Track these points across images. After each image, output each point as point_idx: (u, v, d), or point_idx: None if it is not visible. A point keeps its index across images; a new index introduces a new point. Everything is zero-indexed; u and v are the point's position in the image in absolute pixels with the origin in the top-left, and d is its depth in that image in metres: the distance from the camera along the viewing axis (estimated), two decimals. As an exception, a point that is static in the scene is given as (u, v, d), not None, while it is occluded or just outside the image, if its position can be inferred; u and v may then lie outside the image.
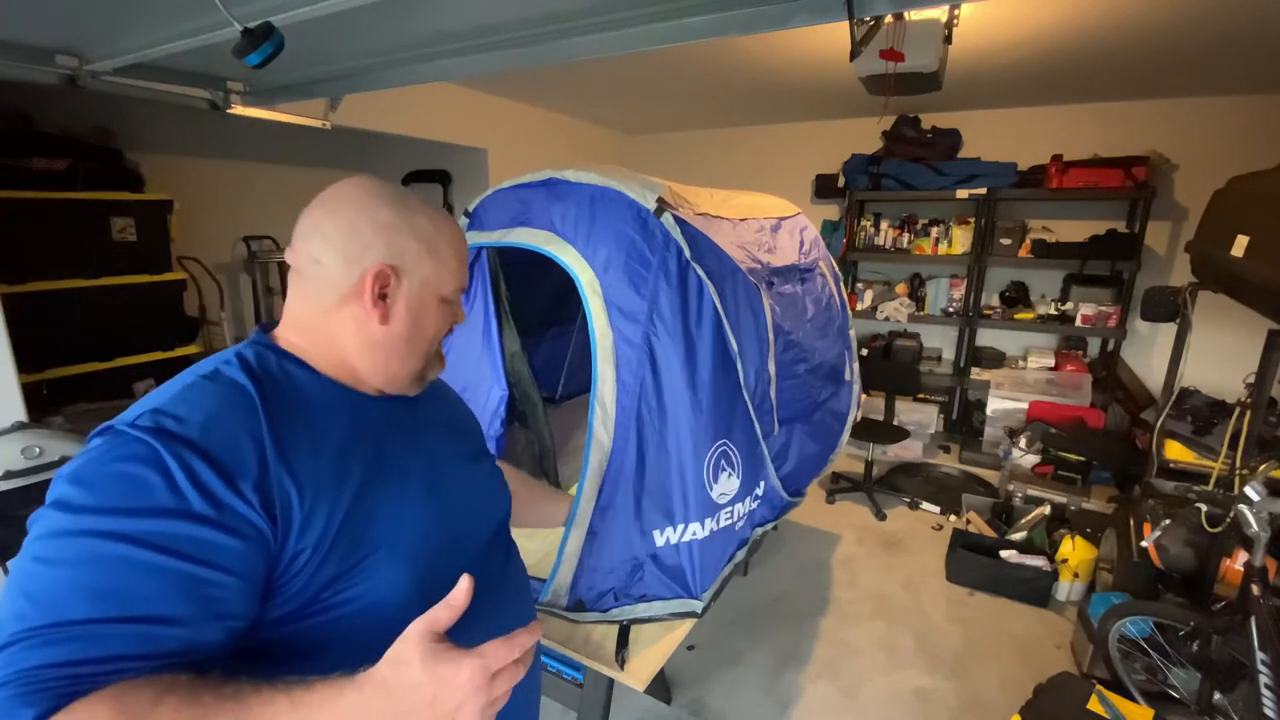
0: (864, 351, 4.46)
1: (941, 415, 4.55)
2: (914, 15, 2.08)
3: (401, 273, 0.72)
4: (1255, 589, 1.65)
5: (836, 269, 2.58)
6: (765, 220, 2.12)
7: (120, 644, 0.53)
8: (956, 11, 2.19)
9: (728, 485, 1.56)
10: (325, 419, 0.70)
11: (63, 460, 2.27)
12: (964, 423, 4.54)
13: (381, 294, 0.71)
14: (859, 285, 4.77)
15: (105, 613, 0.53)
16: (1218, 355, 3.28)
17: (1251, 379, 2.12)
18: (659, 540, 1.47)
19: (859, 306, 4.62)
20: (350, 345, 0.73)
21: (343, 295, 0.71)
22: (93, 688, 0.50)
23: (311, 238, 0.71)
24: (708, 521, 1.50)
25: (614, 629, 1.43)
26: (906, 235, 4.50)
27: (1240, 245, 1.90)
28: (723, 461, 1.53)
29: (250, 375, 0.66)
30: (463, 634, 0.59)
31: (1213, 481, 2.25)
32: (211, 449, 0.59)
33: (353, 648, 0.59)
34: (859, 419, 2.49)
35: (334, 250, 0.70)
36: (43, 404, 2.70)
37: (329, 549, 0.64)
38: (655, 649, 1.41)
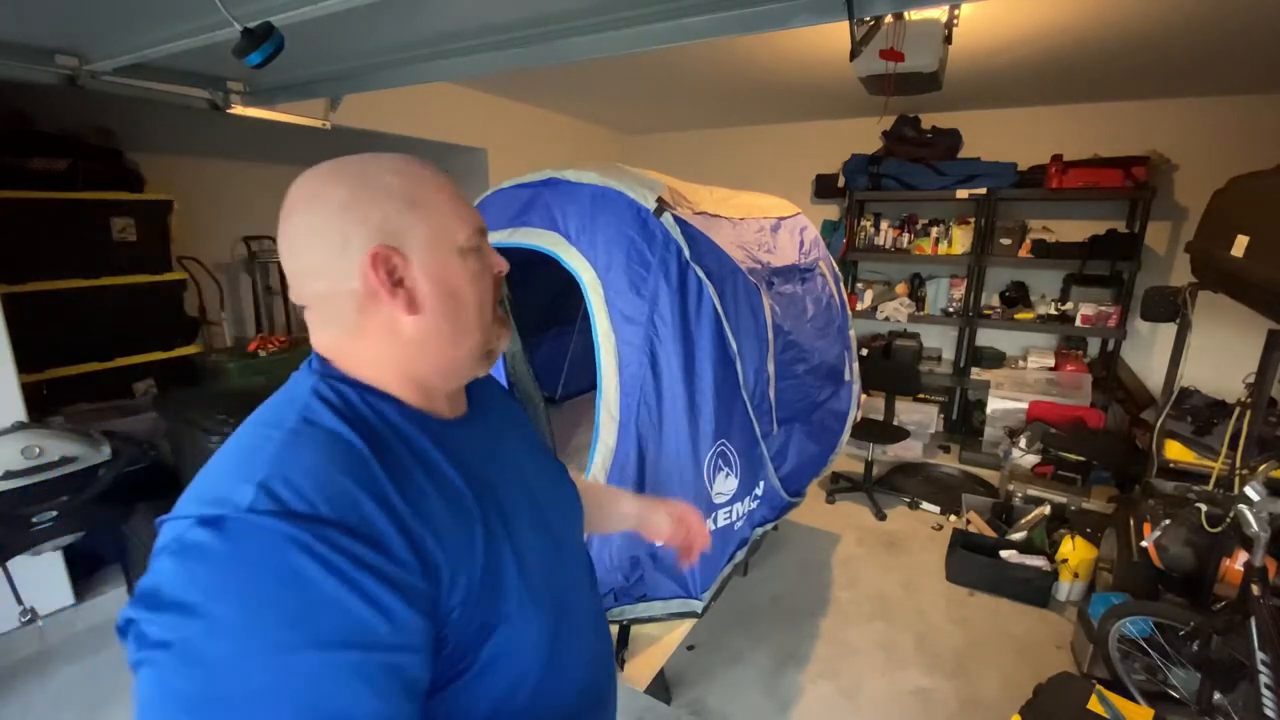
0: (864, 351, 4.46)
1: (941, 415, 4.55)
2: (914, 15, 2.09)
3: (399, 244, 0.59)
4: (1255, 589, 1.65)
5: (836, 269, 2.58)
6: (765, 220, 2.12)
7: None
8: (956, 11, 2.19)
9: (726, 485, 1.56)
10: (430, 457, 0.60)
11: (63, 460, 2.27)
12: (964, 423, 4.54)
13: (395, 279, 0.59)
14: (859, 285, 4.77)
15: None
16: (1218, 355, 3.28)
17: (1251, 379, 2.12)
18: (659, 540, 1.47)
19: (859, 306, 4.62)
20: (398, 359, 0.61)
21: (358, 306, 0.59)
22: None
23: (293, 260, 0.60)
24: (709, 522, 1.50)
25: (614, 629, 1.43)
26: (906, 235, 4.50)
27: (1240, 245, 1.90)
28: (720, 461, 1.54)
29: (346, 421, 0.56)
30: (553, 657, 0.63)
31: (1213, 481, 2.25)
32: (348, 520, 0.50)
33: (500, 703, 0.58)
34: (859, 419, 2.49)
35: (319, 261, 0.59)
36: (43, 404, 2.70)
37: (476, 603, 0.57)
38: (655, 649, 1.41)
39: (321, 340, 0.63)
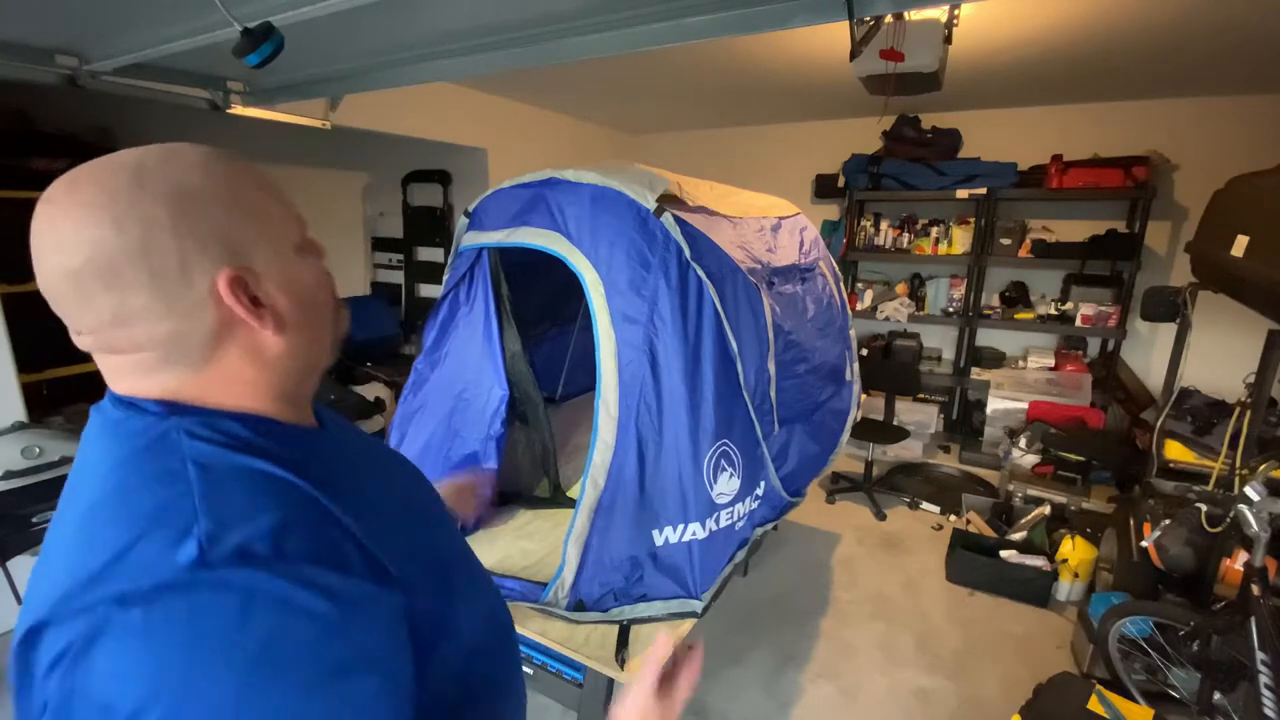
0: (864, 351, 4.46)
1: (941, 415, 4.55)
2: (914, 15, 2.08)
3: (248, 261, 0.52)
4: (1255, 589, 1.65)
5: (836, 269, 2.58)
6: (765, 220, 2.12)
7: None
8: (956, 11, 2.19)
9: (728, 485, 1.56)
10: (346, 472, 0.59)
11: (63, 460, 2.27)
12: (964, 423, 4.54)
13: (253, 300, 0.52)
14: (859, 285, 4.77)
15: None
16: (1218, 355, 3.28)
17: (1251, 379, 2.12)
18: (659, 540, 1.48)
19: (859, 306, 4.62)
20: (263, 379, 0.55)
21: (212, 337, 0.51)
22: None
23: (105, 311, 0.49)
24: (708, 522, 1.50)
25: (614, 629, 1.44)
26: (906, 235, 4.50)
27: (1240, 245, 1.90)
28: (723, 462, 1.53)
29: (247, 453, 0.50)
30: (450, 605, 0.60)
31: (1213, 481, 2.25)
32: (319, 554, 0.47)
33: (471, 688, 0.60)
34: (859, 419, 2.49)
35: (144, 304, 0.49)
36: (43, 404, 2.70)
37: (430, 599, 0.56)
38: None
39: (154, 385, 0.52)
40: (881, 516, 3.50)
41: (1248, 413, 2.11)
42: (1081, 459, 3.41)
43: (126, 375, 0.53)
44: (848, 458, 4.05)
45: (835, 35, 2.63)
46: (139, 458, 0.49)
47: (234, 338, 0.52)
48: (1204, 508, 1.90)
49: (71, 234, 0.48)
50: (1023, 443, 3.50)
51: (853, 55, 1.53)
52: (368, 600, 0.48)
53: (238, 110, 2.42)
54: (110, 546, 0.43)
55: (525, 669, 1.79)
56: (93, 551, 0.44)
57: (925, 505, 3.61)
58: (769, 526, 1.84)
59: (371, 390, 3.74)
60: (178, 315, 0.50)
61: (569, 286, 1.56)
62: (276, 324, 0.54)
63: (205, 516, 0.44)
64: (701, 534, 1.48)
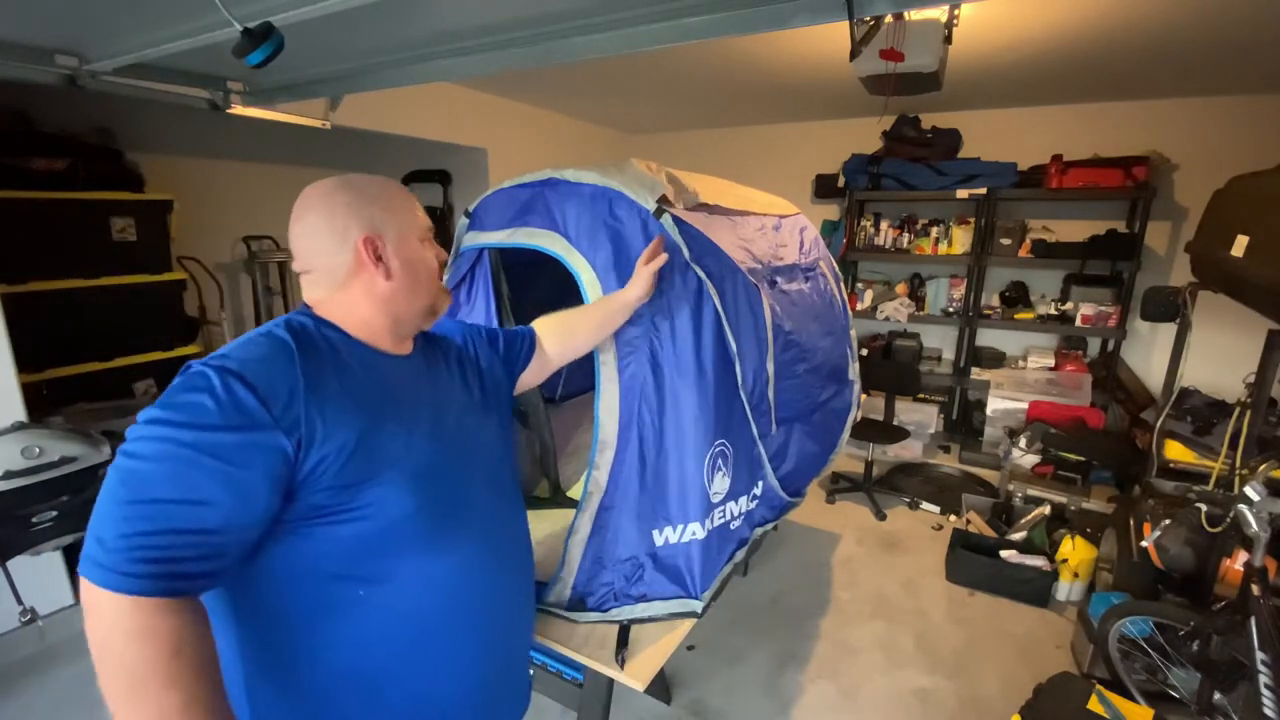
0: (864, 351, 4.46)
1: (941, 415, 4.55)
2: (914, 15, 2.08)
3: (381, 234, 0.88)
4: (1255, 589, 1.65)
5: (837, 269, 2.58)
6: (766, 219, 2.12)
7: (182, 519, 0.69)
8: (956, 11, 2.19)
9: (722, 484, 1.56)
10: (351, 368, 0.85)
11: (63, 460, 2.27)
12: (964, 423, 4.54)
13: (376, 256, 0.88)
14: (859, 285, 4.77)
15: (173, 495, 0.69)
16: (1218, 355, 3.29)
17: (1251, 379, 2.12)
18: (659, 540, 1.47)
19: (859, 306, 4.62)
20: (368, 308, 0.89)
21: (348, 272, 0.88)
22: (159, 556, 0.67)
23: (303, 243, 0.88)
24: (707, 521, 1.50)
25: (614, 629, 1.44)
26: (906, 235, 4.50)
27: (1240, 245, 1.90)
28: (719, 461, 1.53)
29: (292, 333, 0.82)
30: (451, 554, 0.89)
31: (1213, 481, 2.25)
32: (248, 377, 0.74)
33: (369, 554, 0.82)
34: (859, 419, 2.49)
35: (325, 244, 0.87)
36: (43, 404, 2.70)
37: (348, 458, 0.79)
38: (655, 649, 1.41)
39: (312, 295, 0.90)
40: (881, 516, 3.50)
41: (1248, 413, 2.11)
42: (1081, 459, 3.41)
43: (306, 289, 0.90)
44: (848, 458, 4.05)
45: (835, 35, 2.64)
46: (274, 321, 0.86)
47: (360, 276, 0.88)
48: (1204, 508, 1.90)
49: (305, 204, 0.88)
50: (1023, 443, 3.50)
51: (853, 55, 1.53)
52: (252, 422, 0.73)
53: (238, 110, 2.42)
54: (217, 352, 0.79)
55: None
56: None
57: (925, 505, 3.61)
58: (769, 527, 1.84)
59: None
60: (334, 253, 0.87)
61: (570, 286, 1.55)
62: (386, 274, 0.89)
63: (231, 347, 0.79)
64: (701, 534, 1.48)
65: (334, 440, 0.78)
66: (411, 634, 0.86)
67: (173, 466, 0.70)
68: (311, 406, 0.77)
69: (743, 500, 1.65)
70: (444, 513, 0.90)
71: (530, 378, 1.26)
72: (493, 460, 1.03)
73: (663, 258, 1.39)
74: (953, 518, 3.43)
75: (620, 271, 1.48)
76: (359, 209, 0.87)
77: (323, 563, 0.80)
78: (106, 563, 0.66)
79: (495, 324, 1.82)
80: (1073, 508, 3.16)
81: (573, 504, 1.93)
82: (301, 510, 0.78)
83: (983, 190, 4.09)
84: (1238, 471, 2.07)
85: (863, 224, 4.64)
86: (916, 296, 4.57)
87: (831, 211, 4.90)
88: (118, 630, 0.66)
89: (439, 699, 0.91)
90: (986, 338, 4.53)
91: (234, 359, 0.76)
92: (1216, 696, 1.80)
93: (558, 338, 1.30)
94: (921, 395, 4.56)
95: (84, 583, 0.67)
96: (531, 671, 1.73)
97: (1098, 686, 1.69)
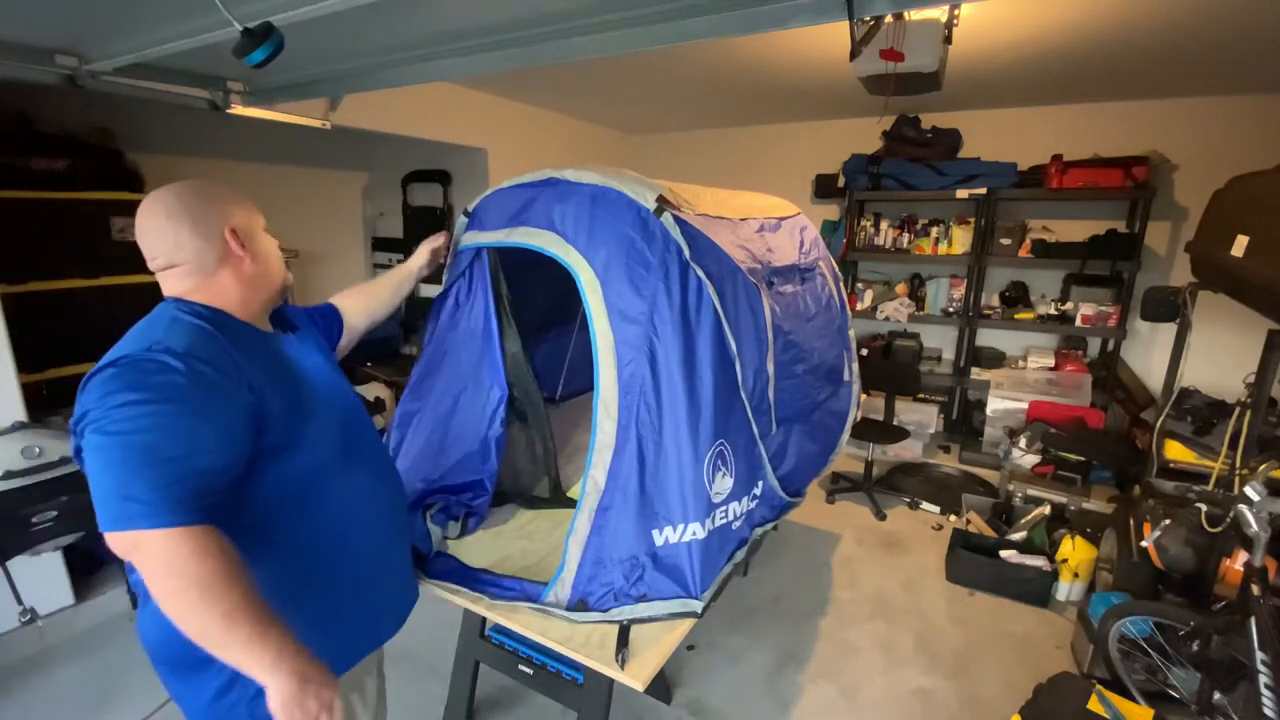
0: (864, 351, 4.46)
1: (941, 415, 4.55)
2: (914, 15, 2.09)
3: (239, 225, 1.06)
4: (1255, 589, 1.65)
5: (836, 269, 2.58)
6: (765, 220, 2.12)
7: (195, 465, 0.87)
8: (956, 11, 2.19)
9: (723, 484, 1.56)
10: (249, 339, 1.03)
11: (63, 460, 2.27)
12: (964, 423, 4.54)
13: (241, 243, 1.05)
14: (859, 285, 4.77)
15: (182, 451, 0.86)
16: (1218, 355, 3.29)
17: (1251, 379, 2.12)
18: (659, 540, 1.47)
19: (859, 306, 4.62)
20: (239, 290, 1.06)
21: (217, 260, 1.03)
22: (188, 495, 0.85)
23: (167, 240, 1.01)
24: (707, 522, 1.50)
25: (614, 629, 1.43)
26: (906, 235, 4.50)
27: (1240, 245, 1.90)
28: (719, 461, 1.53)
29: (198, 317, 0.98)
30: (339, 480, 1.12)
31: (1213, 481, 2.25)
32: (197, 353, 0.91)
33: (314, 472, 1.06)
34: (859, 419, 2.49)
35: (191, 238, 1.01)
36: (43, 404, 2.70)
37: (285, 412, 1.01)
38: (655, 649, 1.41)
39: (180, 286, 1.03)
40: (881, 516, 3.50)
41: (1248, 413, 2.11)
42: (1081, 459, 3.41)
43: (169, 283, 1.03)
44: (848, 458, 4.05)
45: (835, 35, 2.63)
46: (145, 323, 0.98)
47: (229, 263, 1.05)
48: (1204, 508, 1.90)
49: (167, 208, 1.02)
50: (1023, 443, 3.50)
51: (853, 55, 1.53)
52: (218, 385, 0.92)
53: (238, 110, 2.42)
54: (119, 348, 0.93)
55: (525, 669, 1.79)
56: (113, 351, 0.93)
57: (925, 505, 3.61)
58: (769, 527, 1.84)
59: (371, 390, 3.74)
60: (204, 248, 1.02)
61: (569, 286, 1.55)
62: (252, 258, 1.07)
63: (157, 338, 0.92)
64: (701, 534, 1.48)
65: (272, 399, 0.98)
66: (346, 516, 1.14)
67: (173, 431, 0.86)
68: (246, 369, 0.96)
69: (743, 500, 1.65)
70: (350, 444, 1.15)
71: (344, 345, 1.50)
72: (359, 409, 1.29)
73: (443, 236, 1.74)
74: (953, 518, 3.43)
75: (620, 271, 1.48)
76: (218, 206, 1.04)
77: (283, 481, 1.02)
78: (151, 511, 0.82)
79: (494, 324, 1.82)
80: (1073, 508, 3.16)
81: (573, 504, 1.93)
82: (266, 446, 0.99)
83: (983, 190, 4.09)
84: (1238, 471, 2.07)
85: (863, 224, 4.64)
86: (916, 296, 4.57)
87: (831, 211, 4.90)
88: (179, 556, 0.82)
89: (368, 550, 1.19)
90: (986, 338, 4.53)
91: (175, 343, 0.91)
92: (1216, 696, 1.80)
93: (359, 306, 1.53)
94: (921, 395, 4.56)
95: (128, 535, 0.82)
96: (530, 671, 1.72)
97: (1098, 686, 1.69)
